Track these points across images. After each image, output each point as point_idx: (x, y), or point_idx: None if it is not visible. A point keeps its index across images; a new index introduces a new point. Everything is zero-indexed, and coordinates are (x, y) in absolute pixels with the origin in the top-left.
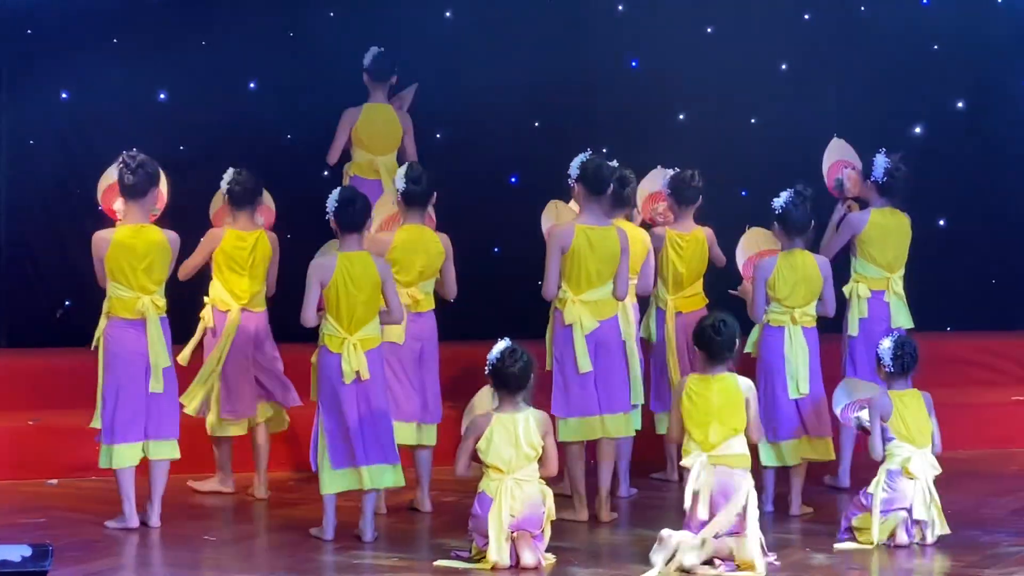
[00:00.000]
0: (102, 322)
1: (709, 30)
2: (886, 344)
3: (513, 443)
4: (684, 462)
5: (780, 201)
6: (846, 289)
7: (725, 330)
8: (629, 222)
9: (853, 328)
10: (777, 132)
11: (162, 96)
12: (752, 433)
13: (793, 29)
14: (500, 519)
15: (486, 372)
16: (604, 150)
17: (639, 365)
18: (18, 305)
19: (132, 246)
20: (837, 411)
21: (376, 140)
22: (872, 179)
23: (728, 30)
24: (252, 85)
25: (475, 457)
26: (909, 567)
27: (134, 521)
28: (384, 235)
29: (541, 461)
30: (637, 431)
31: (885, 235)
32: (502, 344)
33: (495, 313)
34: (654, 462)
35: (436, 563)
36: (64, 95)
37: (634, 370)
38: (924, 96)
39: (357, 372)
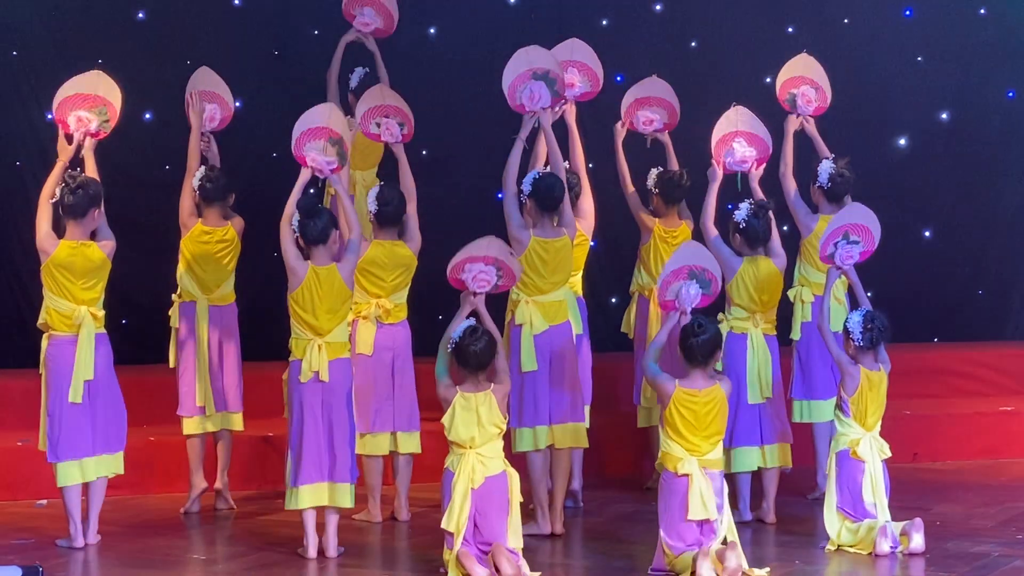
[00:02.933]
0: (44, 342)
1: (693, 44)
2: (855, 318)
3: (475, 422)
4: (679, 469)
5: (741, 214)
6: (791, 293)
7: (700, 332)
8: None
9: (796, 332)
10: None
11: (148, 116)
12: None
13: (777, 42)
14: (461, 490)
15: (448, 350)
16: (590, 165)
17: (589, 365)
18: (5, 326)
19: (70, 264)
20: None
21: (356, 155)
22: (818, 184)
23: (712, 44)
24: (238, 104)
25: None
26: None
27: (79, 541)
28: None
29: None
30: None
31: None
32: (466, 323)
33: None
34: (647, 473)
35: None
36: (49, 116)
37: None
38: (908, 107)
39: (316, 373)
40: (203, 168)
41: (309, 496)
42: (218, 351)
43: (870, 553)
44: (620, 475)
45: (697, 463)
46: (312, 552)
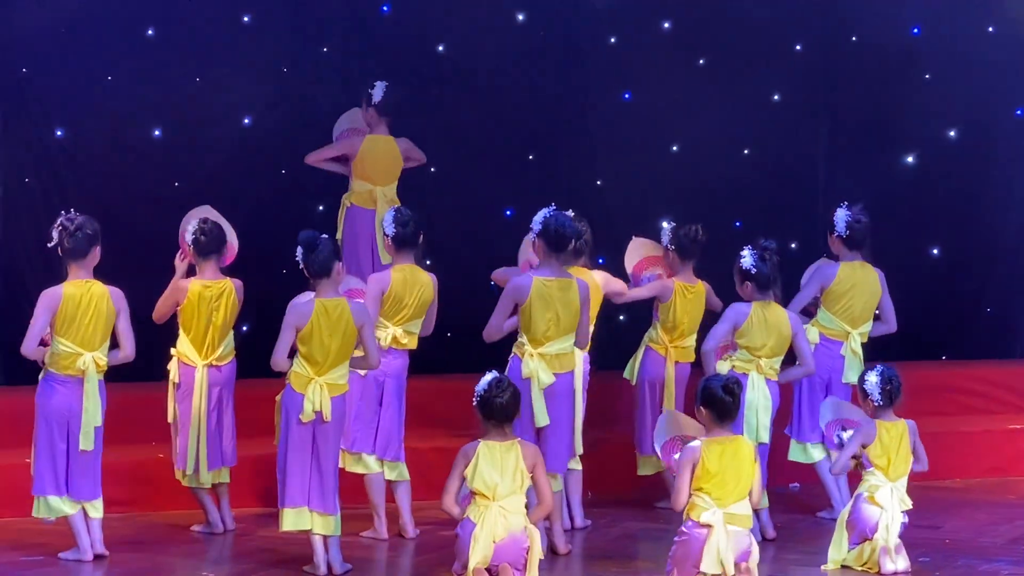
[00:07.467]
0: (40, 376)
1: (701, 61)
2: (873, 379)
3: (499, 469)
4: (702, 518)
5: (747, 261)
6: None
7: (739, 391)
8: (585, 269)
9: None
10: (770, 163)
11: (157, 133)
12: (755, 495)
13: (785, 60)
14: (480, 543)
15: (474, 403)
16: (598, 182)
17: (582, 416)
18: (14, 343)
19: (78, 301)
20: (822, 425)
21: (378, 170)
22: (836, 234)
23: (720, 61)
24: (247, 121)
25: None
26: None
27: (88, 554)
28: (380, 275)
29: (534, 496)
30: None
31: (852, 289)
32: (489, 376)
33: (490, 347)
34: (658, 490)
35: None
36: (59, 133)
37: (577, 421)
38: (916, 125)
39: (319, 413)
40: (195, 222)
41: (293, 519)
42: (216, 411)
43: (878, 572)
44: (626, 493)
45: (722, 515)
46: (323, 569)
